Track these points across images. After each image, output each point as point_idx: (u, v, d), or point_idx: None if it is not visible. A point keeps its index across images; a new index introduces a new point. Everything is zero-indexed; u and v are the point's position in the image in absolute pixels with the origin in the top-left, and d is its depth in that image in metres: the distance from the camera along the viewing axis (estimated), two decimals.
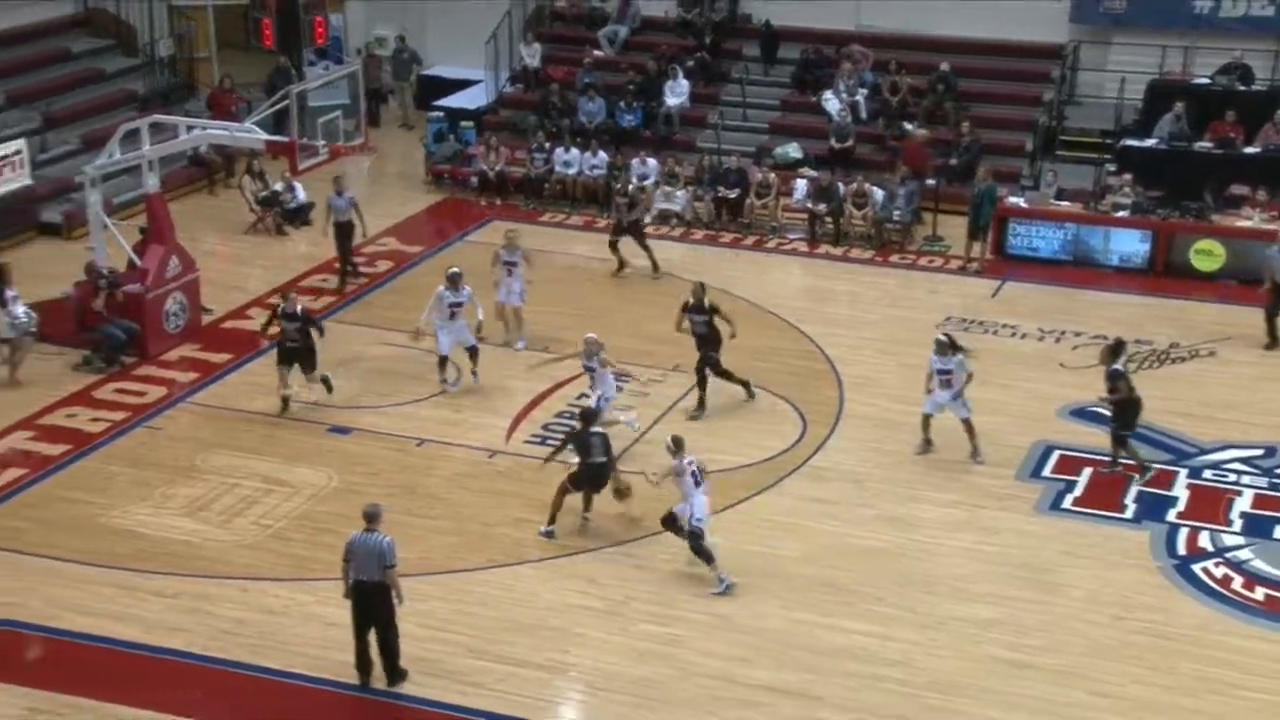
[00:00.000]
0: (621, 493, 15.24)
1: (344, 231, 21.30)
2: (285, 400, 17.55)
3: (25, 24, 26.32)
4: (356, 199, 21.44)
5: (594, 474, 15.11)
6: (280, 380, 17.50)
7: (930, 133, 24.91)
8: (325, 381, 17.70)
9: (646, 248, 22.09)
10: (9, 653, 13.36)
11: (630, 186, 22.91)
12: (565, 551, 15.01)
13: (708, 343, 17.90)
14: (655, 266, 22.05)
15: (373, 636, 12.77)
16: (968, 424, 16.80)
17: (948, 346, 16.71)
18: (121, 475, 16.24)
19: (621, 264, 22.07)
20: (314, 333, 17.70)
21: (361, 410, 17.82)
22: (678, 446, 14.53)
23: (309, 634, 13.55)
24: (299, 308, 17.62)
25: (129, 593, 14.09)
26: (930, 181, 24.27)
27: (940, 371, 16.65)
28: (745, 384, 18.16)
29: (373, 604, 12.63)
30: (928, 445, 17.01)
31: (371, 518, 12.57)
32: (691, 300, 17.96)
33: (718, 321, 17.88)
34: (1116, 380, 16.46)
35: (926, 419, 16.93)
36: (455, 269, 18.25)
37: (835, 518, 15.80)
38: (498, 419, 17.61)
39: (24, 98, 24.78)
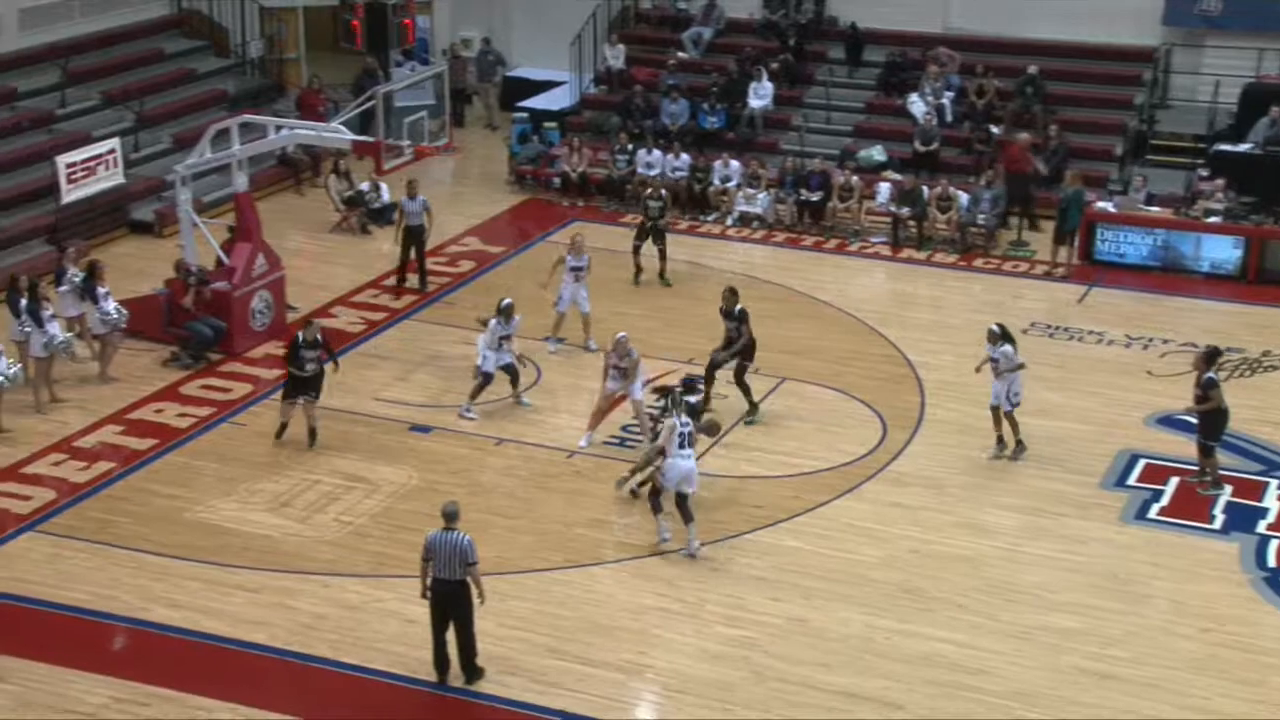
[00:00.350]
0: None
1: (415, 234, 21.37)
2: (284, 426, 16.91)
3: (121, 25, 26.80)
4: (429, 203, 21.55)
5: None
6: (283, 411, 16.90)
7: (1031, 137, 24.39)
8: (312, 432, 16.86)
9: (664, 254, 21.74)
10: (96, 642, 13.58)
11: (663, 191, 22.58)
12: (642, 553, 15.00)
13: (740, 350, 17.69)
14: (663, 273, 21.74)
15: (451, 634, 12.84)
16: (1009, 416, 16.74)
17: (996, 336, 16.78)
18: (207, 470, 16.46)
19: (639, 269, 21.68)
20: (331, 365, 17.16)
21: (442, 409, 17.92)
22: (673, 404, 15.16)
23: (388, 630, 13.65)
24: (319, 335, 17.01)
25: (213, 586, 14.28)
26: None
27: (991, 360, 16.72)
28: (754, 405, 17.74)
29: (452, 602, 12.70)
30: (1000, 443, 16.83)
31: (450, 516, 12.64)
32: (723, 305, 17.81)
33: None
34: (1210, 389, 16.17)
35: (994, 410, 16.83)
36: (509, 300, 17.90)
37: (916, 523, 15.67)
38: (576, 420, 17.64)
39: (119, 97, 25.21)
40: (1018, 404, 16.80)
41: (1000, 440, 16.91)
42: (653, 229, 21.77)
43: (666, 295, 21.43)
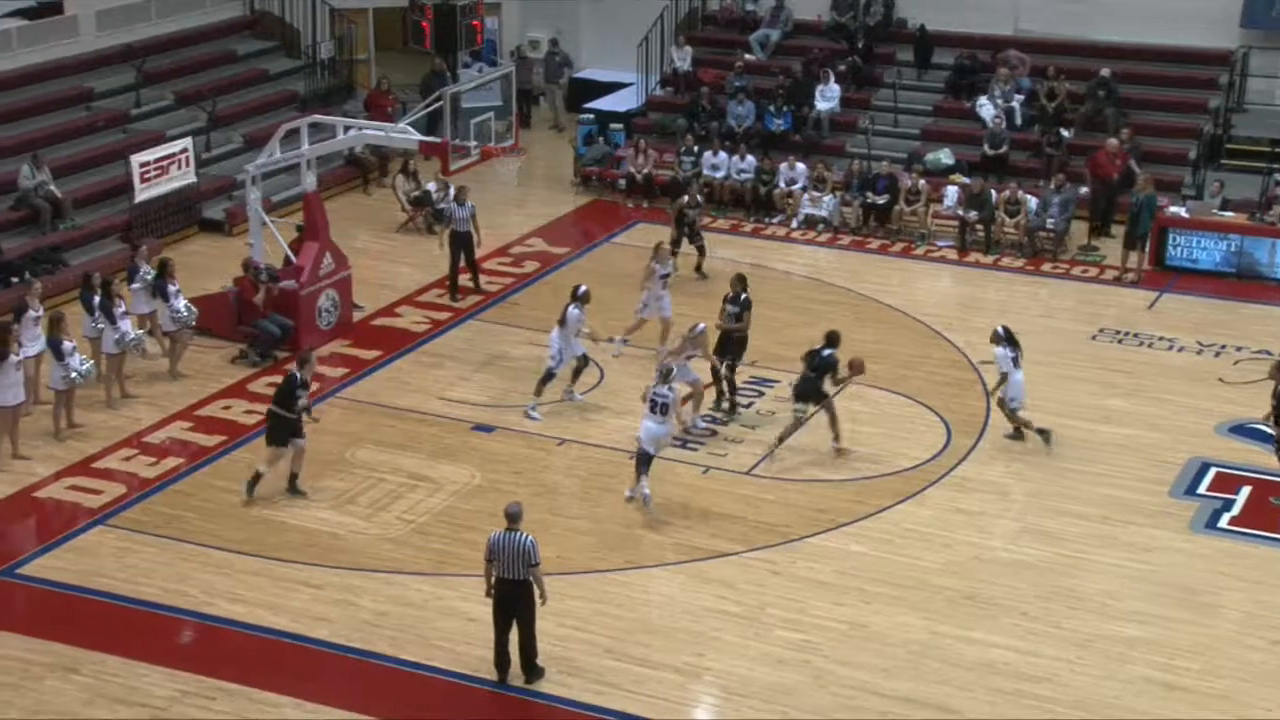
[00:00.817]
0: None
1: (462, 241, 21.32)
2: (259, 477, 15.70)
3: (195, 26, 27.16)
4: (476, 210, 21.49)
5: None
6: (271, 458, 15.76)
7: (1120, 142, 23.89)
8: (294, 478, 15.92)
9: (701, 250, 21.93)
10: (164, 635, 13.75)
11: (699, 198, 22.56)
12: (702, 555, 14.99)
13: (733, 341, 17.77)
14: (699, 267, 21.94)
15: (513, 634, 12.88)
16: (1014, 416, 17.16)
17: (999, 338, 17.11)
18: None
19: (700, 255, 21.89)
20: (309, 413, 15.95)
21: (505, 409, 17.99)
22: (663, 377, 15.71)
23: (449, 628, 13.72)
24: (310, 375, 16.06)
25: (277, 582, 14.42)
26: (1085, 190, 23.73)
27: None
28: (734, 406, 17.85)
29: (515, 602, 12.75)
30: (1016, 434, 17.21)
31: (513, 517, 12.69)
32: (730, 291, 17.99)
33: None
34: None
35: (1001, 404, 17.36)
36: (585, 287, 18.08)
37: (979, 529, 15.54)
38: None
39: (192, 98, 25.54)
40: (1016, 408, 17.04)
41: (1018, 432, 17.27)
42: (689, 231, 21.85)
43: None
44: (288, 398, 15.64)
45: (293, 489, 15.86)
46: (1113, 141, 23.81)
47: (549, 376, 17.75)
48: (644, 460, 15.53)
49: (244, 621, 13.82)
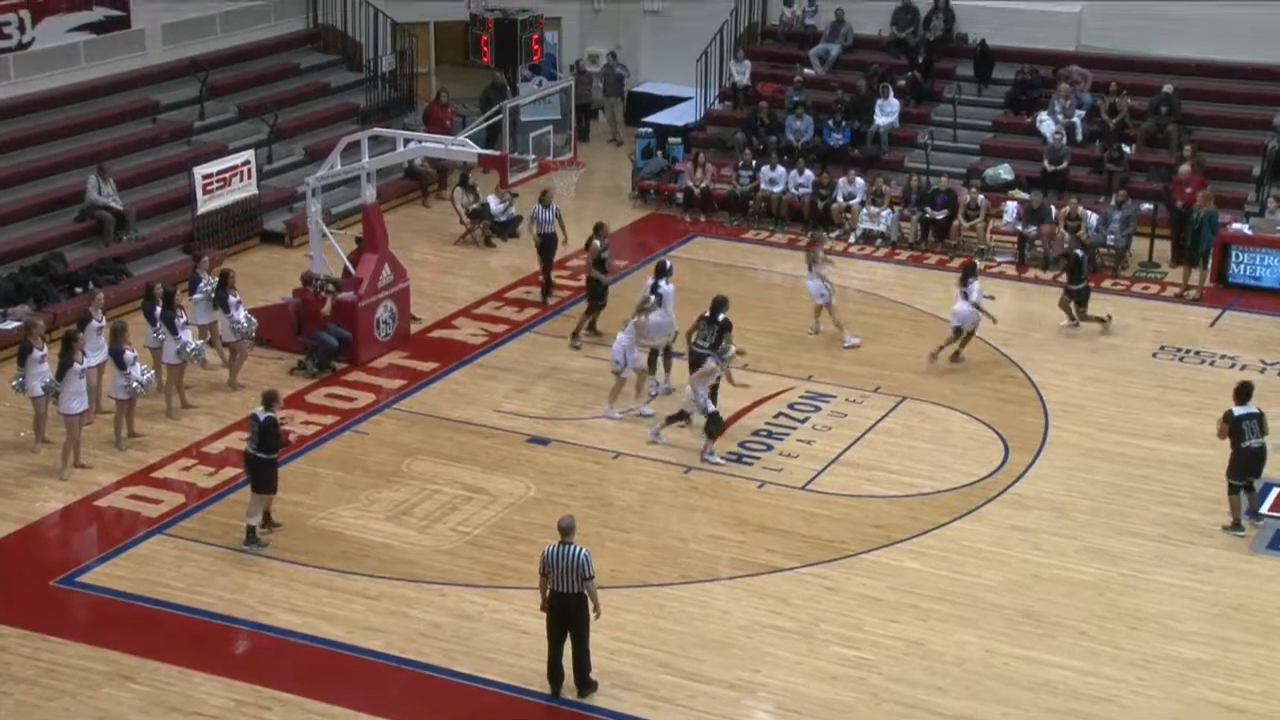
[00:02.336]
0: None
1: (548, 244, 21.64)
2: (254, 529, 15.24)
3: (259, 40, 27.46)
4: (561, 211, 21.73)
5: None
6: (259, 508, 15.29)
7: (1194, 166, 23.32)
8: (268, 519, 15.50)
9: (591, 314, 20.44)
10: (220, 645, 13.86)
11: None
12: (757, 570, 14.94)
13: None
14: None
15: (567, 647, 12.87)
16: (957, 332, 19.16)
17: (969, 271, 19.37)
18: (329, 478, 16.72)
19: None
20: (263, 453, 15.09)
21: (560, 422, 18.02)
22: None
23: (502, 641, 13.74)
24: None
25: (333, 593, 14.50)
26: (1147, 206, 23.48)
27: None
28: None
29: (570, 615, 12.75)
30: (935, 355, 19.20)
31: (567, 531, 12.69)
32: (707, 313, 17.70)
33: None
34: None
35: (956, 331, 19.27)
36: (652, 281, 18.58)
37: (1037, 547, 15.39)
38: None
39: (254, 110, 25.80)
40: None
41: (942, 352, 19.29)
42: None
43: (786, 313, 21.30)
44: (275, 441, 15.09)
45: (268, 524, 15.35)
46: (1185, 169, 23.32)
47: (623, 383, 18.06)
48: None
49: (300, 631, 13.90)
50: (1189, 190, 22.91)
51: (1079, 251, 21.14)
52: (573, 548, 12.63)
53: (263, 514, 15.38)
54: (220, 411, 18.19)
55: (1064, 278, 21.18)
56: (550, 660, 12.93)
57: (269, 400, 15.22)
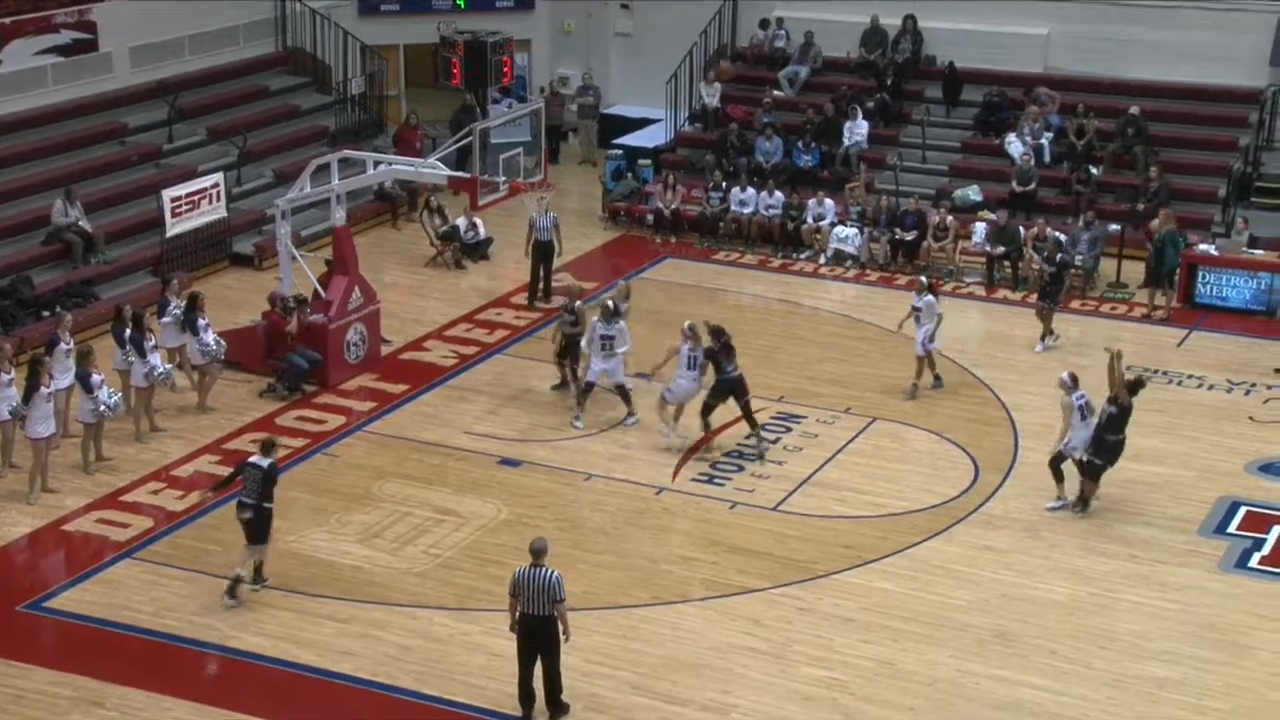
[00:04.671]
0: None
1: (544, 250, 22.03)
2: (237, 581, 14.59)
3: (228, 62, 27.38)
4: (559, 219, 22.14)
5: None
6: (256, 558, 14.79)
7: (1168, 215, 22.86)
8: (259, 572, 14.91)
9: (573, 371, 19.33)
10: (190, 669, 13.75)
11: (577, 304, 19.19)
12: (729, 591, 14.93)
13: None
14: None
15: (539, 669, 12.83)
16: (926, 359, 19.09)
17: (923, 287, 19.34)
18: (300, 500, 16.63)
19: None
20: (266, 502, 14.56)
21: (531, 444, 18.00)
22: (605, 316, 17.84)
23: (473, 663, 13.69)
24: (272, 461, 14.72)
25: (304, 616, 14.42)
26: (1114, 226, 23.65)
27: (913, 308, 19.10)
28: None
29: (540, 637, 12.71)
30: (915, 388, 19.07)
31: (538, 553, 12.67)
32: (716, 344, 17.61)
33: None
34: None
35: (919, 360, 19.16)
36: (613, 301, 18.47)
37: (1008, 567, 15.44)
38: (665, 456, 17.63)
39: (223, 133, 25.73)
40: (933, 347, 19.16)
41: (914, 386, 19.20)
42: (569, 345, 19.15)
43: (758, 333, 21.35)
44: (273, 489, 14.60)
45: (258, 577, 14.83)
46: (1155, 224, 22.86)
47: (585, 389, 18.33)
48: (587, 390, 18.08)
49: (269, 655, 13.82)
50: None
51: (1060, 256, 21.51)
52: (544, 570, 12.60)
53: (254, 566, 14.78)
54: (189, 435, 18.09)
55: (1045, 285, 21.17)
56: (521, 682, 12.88)
57: (268, 447, 14.77)
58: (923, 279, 19.73)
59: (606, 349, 18.16)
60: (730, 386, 17.61)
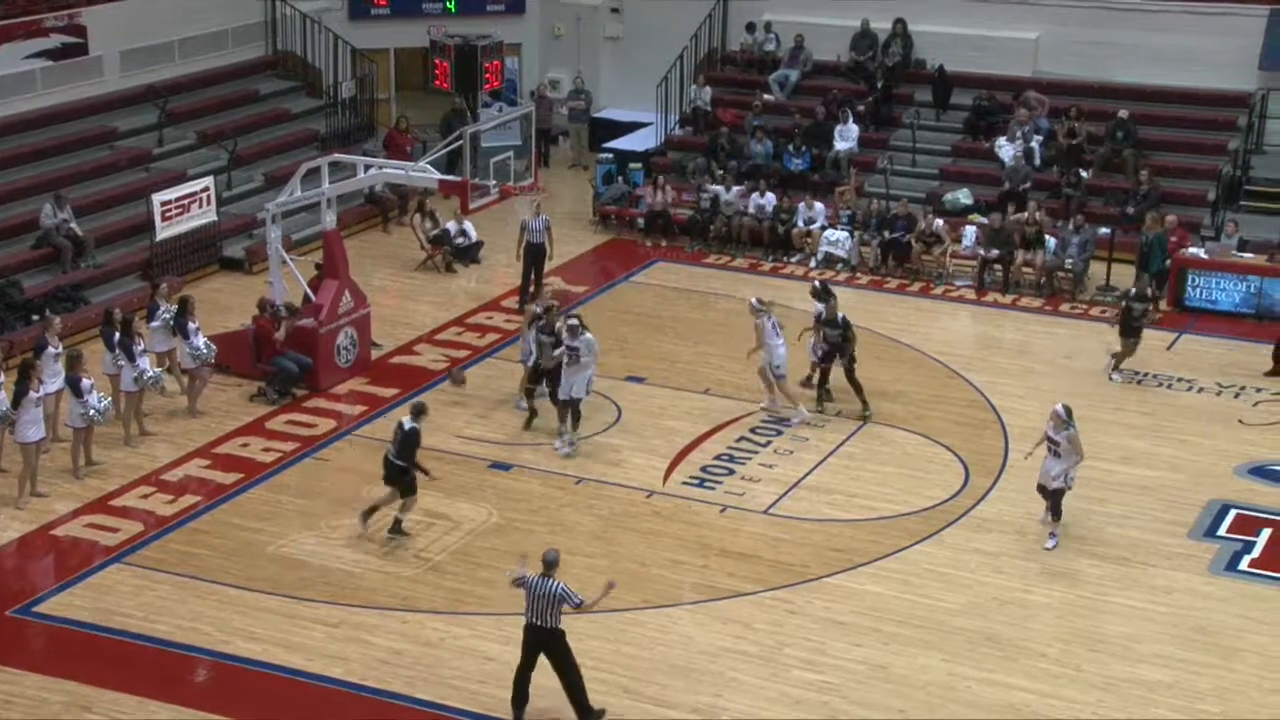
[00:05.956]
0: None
1: (536, 252, 22.08)
2: (399, 522, 15.76)
3: (218, 66, 27.35)
4: (550, 222, 22.17)
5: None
6: (391, 503, 15.80)
7: (1156, 217, 23.01)
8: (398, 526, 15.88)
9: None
10: (180, 674, 13.72)
11: (558, 324, 18.17)
12: (719, 595, 14.92)
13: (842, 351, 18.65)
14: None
15: (539, 676, 12.71)
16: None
17: (818, 292, 18.92)
18: (290, 505, 16.62)
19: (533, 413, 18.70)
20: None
21: (522, 447, 17.98)
22: (571, 332, 17.35)
23: (464, 667, 13.67)
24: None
25: (293, 620, 14.39)
26: (1104, 230, 23.69)
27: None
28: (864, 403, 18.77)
29: (544, 649, 12.61)
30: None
31: (550, 565, 12.58)
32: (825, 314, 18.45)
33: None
34: None
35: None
36: (575, 320, 17.78)
37: (998, 570, 15.45)
38: (656, 460, 17.63)
39: (213, 137, 25.69)
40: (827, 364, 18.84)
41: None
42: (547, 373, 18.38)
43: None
44: (410, 452, 15.62)
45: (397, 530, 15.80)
46: (1171, 219, 22.98)
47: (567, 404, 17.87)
48: (566, 406, 17.51)
49: (259, 660, 13.79)
50: (1173, 239, 22.98)
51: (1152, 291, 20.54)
52: (551, 581, 12.54)
53: (394, 519, 15.71)
54: (179, 439, 18.06)
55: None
56: (515, 684, 12.79)
57: (417, 411, 15.73)
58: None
59: (572, 360, 17.55)
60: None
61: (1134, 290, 20.31)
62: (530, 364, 18.45)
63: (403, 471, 15.68)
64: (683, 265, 24.46)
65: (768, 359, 18.46)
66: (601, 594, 12.70)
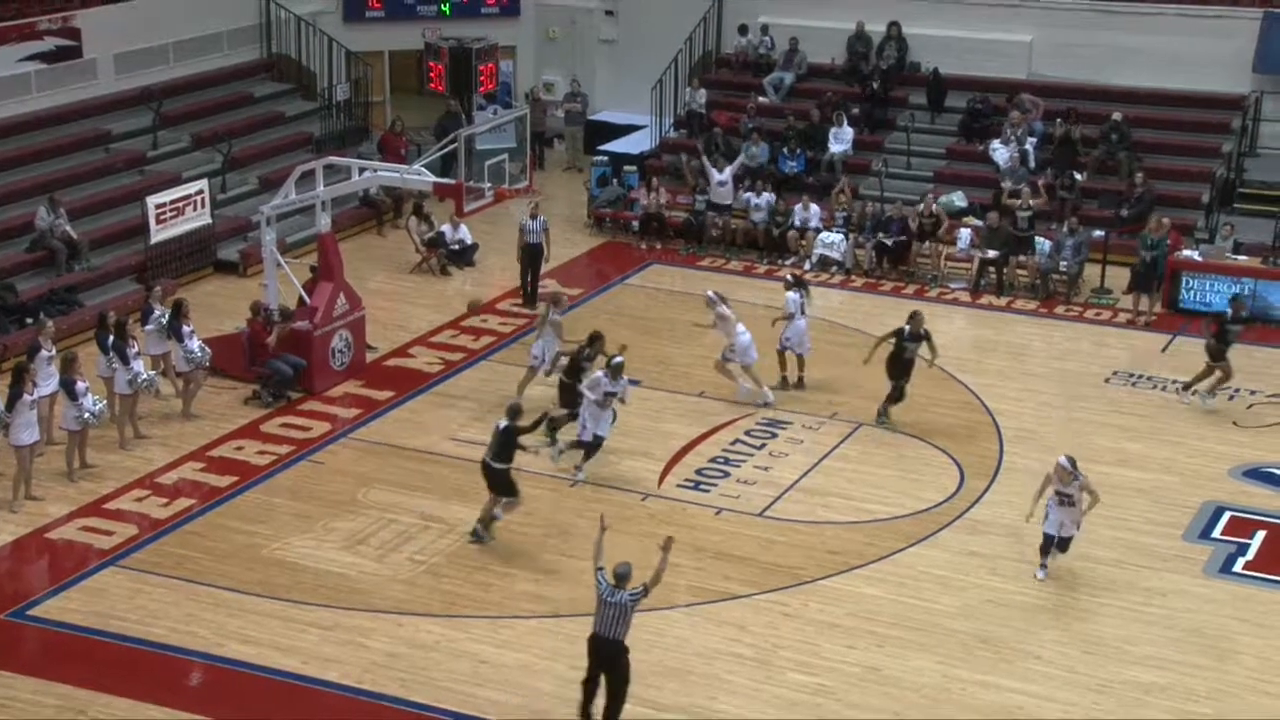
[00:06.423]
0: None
1: (534, 253, 22.19)
2: (492, 519, 15.80)
3: (213, 69, 27.35)
4: (548, 223, 22.28)
5: None
6: (496, 506, 15.79)
7: (1161, 221, 22.94)
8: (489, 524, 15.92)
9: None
10: (174, 677, 13.69)
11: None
12: (714, 597, 14.92)
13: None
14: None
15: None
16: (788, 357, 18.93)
17: (789, 284, 19.30)
18: (284, 508, 16.61)
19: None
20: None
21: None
22: (614, 373, 16.98)
23: (460, 670, 13.66)
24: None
25: (287, 623, 14.37)
26: (1098, 233, 23.73)
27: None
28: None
29: (605, 663, 12.50)
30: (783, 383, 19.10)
31: (622, 578, 12.43)
32: (911, 327, 18.41)
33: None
34: None
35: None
36: (621, 358, 17.26)
37: (993, 572, 15.46)
38: (652, 462, 17.63)
39: (208, 139, 25.68)
40: (801, 352, 19.30)
41: (784, 380, 19.33)
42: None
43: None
44: (509, 452, 15.57)
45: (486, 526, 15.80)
46: (1165, 222, 22.96)
47: (592, 445, 17.36)
48: (592, 448, 17.14)
49: (254, 663, 13.77)
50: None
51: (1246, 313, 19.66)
52: (624, 593, 12.35)
53: (488, 518, 15.68)
54: (174, 442, 18.04)
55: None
56: (581, 707, 12.63)
57: (513, 413, 15.64)
58: (789, 276, 19.52)
59: (607, 403, 17.11)
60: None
61: (1229, 313, 19.62)
62: (542, 371, 18.44)
63: (494, 473, 15.52)
64: (677, 268, 24.47)
65: (733, 346, 18.75)
66: (661, 562, 12.53)
